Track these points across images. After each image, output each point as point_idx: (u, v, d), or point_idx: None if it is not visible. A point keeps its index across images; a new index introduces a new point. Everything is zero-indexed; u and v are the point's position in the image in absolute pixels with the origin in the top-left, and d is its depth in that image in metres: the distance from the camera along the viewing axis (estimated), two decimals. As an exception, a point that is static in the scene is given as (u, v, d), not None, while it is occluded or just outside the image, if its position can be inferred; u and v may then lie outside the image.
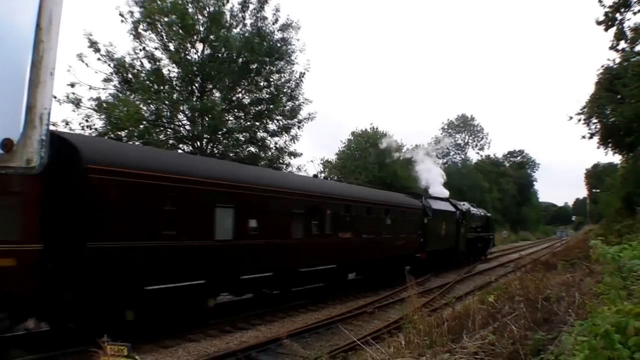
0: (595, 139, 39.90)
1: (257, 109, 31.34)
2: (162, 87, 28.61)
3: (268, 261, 17.29)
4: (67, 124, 25.20)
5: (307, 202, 19.45)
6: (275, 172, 23.65)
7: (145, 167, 13.12)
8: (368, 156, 52.88)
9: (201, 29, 28.70)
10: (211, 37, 28.64)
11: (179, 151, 28.23)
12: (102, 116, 25.98)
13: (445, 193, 44.46)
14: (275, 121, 32.11)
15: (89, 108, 26.12)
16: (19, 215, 10.85)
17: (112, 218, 11.90)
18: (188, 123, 29.57)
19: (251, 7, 30.04)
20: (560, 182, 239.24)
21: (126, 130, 25.79)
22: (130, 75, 28.04)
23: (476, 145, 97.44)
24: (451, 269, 33.50)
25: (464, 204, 41.82)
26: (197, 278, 14.42)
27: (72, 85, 25.91)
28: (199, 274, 14.50)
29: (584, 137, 40.12)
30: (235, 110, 31.39)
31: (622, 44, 24.83)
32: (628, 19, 23.58)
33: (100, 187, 11.73)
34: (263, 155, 32.42)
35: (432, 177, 47.96)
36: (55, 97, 24.85)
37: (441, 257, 33.88)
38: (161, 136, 29.03)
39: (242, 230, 15.95)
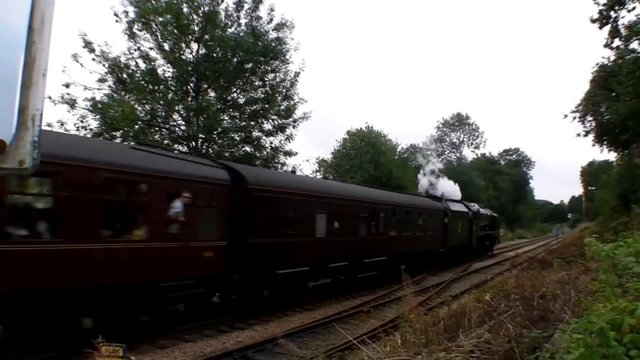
0: (590, 136, 40.04)
1: (252, 108, 31.30)
2: (157, 87, 28.55)
3: (345, 253, 22.62)
4: (62, 124, 25.15)
5: (368, 207, 25.26)
6: (348, 185, 29.09)
7: (278, 185, 18.73)
8: (363, 155, 52.88)
9: (196, 28, 28.66)
10: (206, 36, 28.60)
11: (179, 151, 28.15)
12: (97, 117, 25.91)
13: (458, 195, 48.92)
14: (271, 121, 32.08)
15: (84, 108, 26.07)
16: (217, 222, 15.58)
17: (260, 222, 16.97)
18: (183, 123, 29.55)
19: (246, 6, 30.00)
20: (556, 180, 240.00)
21: (121, 131, 25.72)
22: (125, 76, 27.97)
23: (472, 143, 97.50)
24: (462, 263, 37.48)
25: (474, 205, 46.10)
26: (304, 265, 19.36)
27: (67, 85, 25.87)
28: (305, 262, 19.44)
29: (579, 135, 40.28)
30: (231, 110, 31.34)
31: (617, 42, 24.84)
32: (622, 17, 23.61)
33: (255, 199, 16.74)
34: (258, 154, 32.38)
35: (447, 184, 51.82)
36: (50, 98, 24.83)
37: (457, 251, 38.55)
38: (156, 136, 28.97)
39: (330, 230, 21.43)
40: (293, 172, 29.43)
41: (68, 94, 25.75)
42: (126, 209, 13.06)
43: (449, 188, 49.57)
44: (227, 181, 16.15)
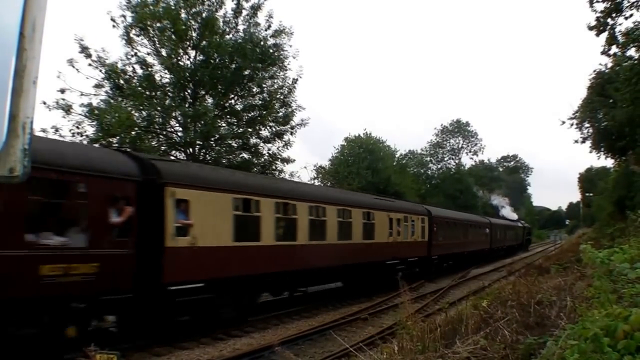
0: (588, 143, 40.13)
1: (250, 115, 31.30)
2: (154, 93, 28.51)
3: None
4: (56, 130, 25.04)
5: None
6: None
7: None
8: (361, 162, 52.87)
9: (194, 34, 28.67)
10: (204, 42, 28.60)
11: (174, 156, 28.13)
12: (94, 122, 25.81)
13: (515, 216, 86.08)
14: (268, 127, 32.08)
15: (79, 114, 26.00)
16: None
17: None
18: (180, 129, 29.50)
19: (244, 12, 30.04)
20: (554, 186, 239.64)
21: (117, 137, 25.64)
22: (122, 81, 27.91)
23: (470, 150, 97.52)
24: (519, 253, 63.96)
25: (523, 221, 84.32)
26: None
27: (62, 91, 25.76)
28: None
29: (576, 141, 40.38)
30: (228, 116, 31.31)
31: (614, 49, 24.87)
32: (619, 24, 23.63)
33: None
34: (256, 161, 32.35)
35: (507, 210, 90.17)
36: (44, 103, 24.75)
37: (507, 249, 60.60)
38: (153, 142, 28.86)
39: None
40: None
41: (63, 99, 25.68)
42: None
43: (509, 213, 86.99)
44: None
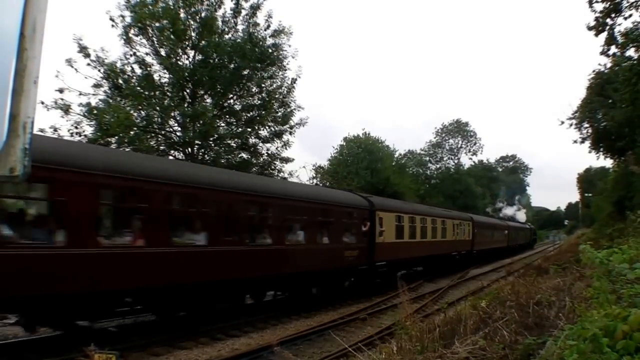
0: (587, 143, 40.19)
1: (248, 115, 31.30)
2: (153, 93, 28.47)
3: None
4: (55, 130, 25.00)
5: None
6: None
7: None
8: (360, 162, 52.86)
9: (193, 34, 28.65)
10: (202, 42, 28.59)
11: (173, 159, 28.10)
12: (92, 122, 25.78)
13: (524, 219, 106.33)
14: (267, 127, 32.08)
15: (78, 114, 25.97)
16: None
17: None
18: (179, 129, 29.47)
19: (243, 12, 30.04)
20: (553, 187, 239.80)
21: (116, 137, 25.61)
22: (120, 81, 27.87)
23: (469, 150, 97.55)
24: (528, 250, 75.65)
25: (530, 224, 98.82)
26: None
27: (61, 91, 25.71)
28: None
29: (575, 141, 40.51)
30: (227, 116, 31.32)
31: (613, 49, 24.91)
32: (619, 24, 23.68)
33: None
34: (255, 161, 32.35)
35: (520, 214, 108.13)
36: (42, 103, 24.69)
37: (519, 247, 70.64)
38: (152, 142, 28.83)
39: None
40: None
41: (62, 99, 25.64)
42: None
43: (519, 216, 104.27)
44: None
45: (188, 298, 15.03)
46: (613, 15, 23.46)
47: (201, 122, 27.64)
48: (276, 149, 32.68)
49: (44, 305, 11.15)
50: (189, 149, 29.16)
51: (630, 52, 24.48)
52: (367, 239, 24.44)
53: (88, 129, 25.91)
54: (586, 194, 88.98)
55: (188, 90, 29.73)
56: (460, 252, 40.13)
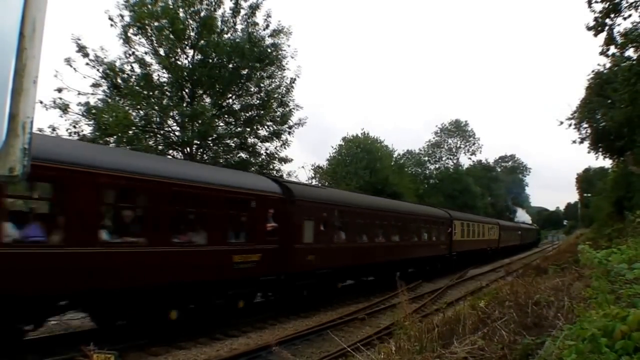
0: (586, 143, 40.23)
1: (247, 114, 31.27)
2: (152, 93, 28.43)
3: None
4: (53, 129, 24.95)
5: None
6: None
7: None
8: (359, 162, 52.87)
9: (192, 34, 28.62)
10: (202, 42, 28.56)
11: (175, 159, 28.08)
12: (91, 122, 25.76)
13: (529, 220, 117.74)
14: (266, 127, 32.05)
15: (76, 114, 25.95)
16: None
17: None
18: (178, 129, 29.41)
19: (242, 12, 29.99)
20: (552, 187, 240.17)
21: (115, 136, 25.58)
22: (119, 80, 27.82)
23: (468, 150, 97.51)
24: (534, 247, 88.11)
25: (535, 225, 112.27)
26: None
27: (60, 90, 25.64)
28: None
29: (574, 141, 40.53)
30: (226, 116, 31.27)
31: (612, 49, 24.89)
32: (618, 24, 23.65)
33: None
34: (254, 161, 32.31)
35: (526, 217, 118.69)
36: (41, 102, 24.64)
37: (528, 244, 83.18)
38: (151, 142, 28.78)
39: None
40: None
41: (60, 98, 25.59)
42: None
43: (527, 220, 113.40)
44: None
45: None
46: (612, 15, 23.43)
47: (200, 121, 27.60)
48: (275, 148, 32.65)
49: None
50: (188, 149, 29.12)
51: (630, 52, 24.49)
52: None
53: (86, 129, 25.93)
54: (585, 194, 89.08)
55: (187, 90, 29.67)
56: (492, 247, 53.60)
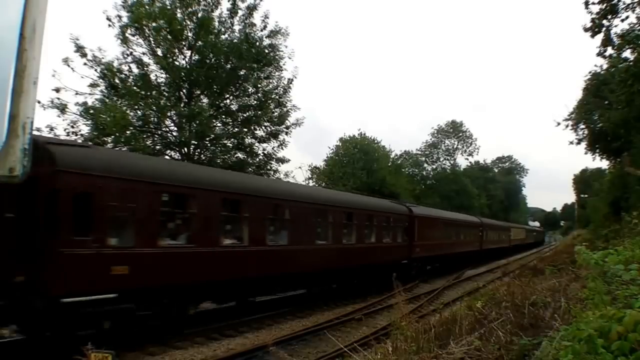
0: (583, 144, 40.29)
1: (245, 115, 31.26)
2: (149, 93, 28.43)
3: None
4: (51, 129, 24.93)
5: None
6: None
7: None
8: (356, 162, 52.87)
9: (189, 34, 28.61)
10: (199, 42, 28.55)
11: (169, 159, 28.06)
12: (89, 122, 25.74)
13: (537, 225, 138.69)
14: (263, 127, 32.05)
15: (74, 114, 25.93)
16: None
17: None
18: (175, 129, 29.42)
19: (240, 13, 29.99)
20: (549, 187, 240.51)
21: (112, 137, 25.57)
22: (117, 81, 27.81)
23: (465, 151, 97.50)
24: (541, 246, 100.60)
25: (541, 227, 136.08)
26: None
27: (57, 90, 25.63)
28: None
29: (571, 142, 40.61)
30: (223, 116, 31.28)
31: (609, 50, 24.92)
32: (615, 26, 23.68)
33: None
34: (251, 161, 32.31)
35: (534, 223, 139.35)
36: (39, 102, 24.59)
37: (535, 243, 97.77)
38: (148, 142, 28.76)
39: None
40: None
41: (58, 98, 25.58)
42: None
43: (534, 224, 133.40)
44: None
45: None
46: (609, 16, 23.46)
47: (197, 122, 27.59)
48: (272, 149, 32.65)
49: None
50: (185, 149, 29.11)
51: (627, 53, 24.51)
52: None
53: (84, 129, 25.92)
54: (582, 195, 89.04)
55: (184, 90, 29.69)
56: (517, 245, 72.10)
